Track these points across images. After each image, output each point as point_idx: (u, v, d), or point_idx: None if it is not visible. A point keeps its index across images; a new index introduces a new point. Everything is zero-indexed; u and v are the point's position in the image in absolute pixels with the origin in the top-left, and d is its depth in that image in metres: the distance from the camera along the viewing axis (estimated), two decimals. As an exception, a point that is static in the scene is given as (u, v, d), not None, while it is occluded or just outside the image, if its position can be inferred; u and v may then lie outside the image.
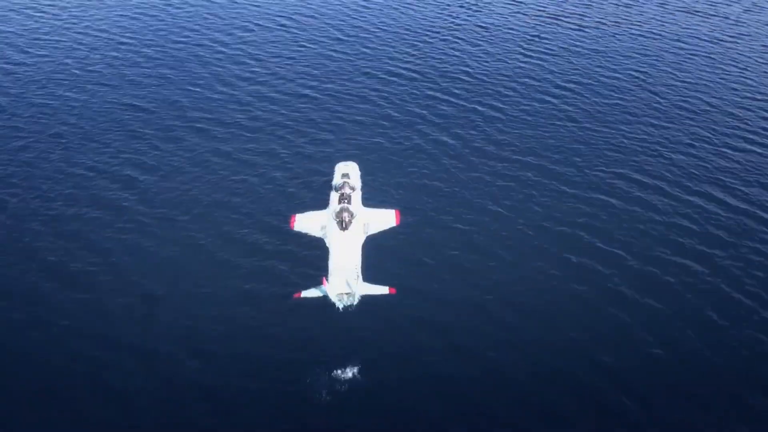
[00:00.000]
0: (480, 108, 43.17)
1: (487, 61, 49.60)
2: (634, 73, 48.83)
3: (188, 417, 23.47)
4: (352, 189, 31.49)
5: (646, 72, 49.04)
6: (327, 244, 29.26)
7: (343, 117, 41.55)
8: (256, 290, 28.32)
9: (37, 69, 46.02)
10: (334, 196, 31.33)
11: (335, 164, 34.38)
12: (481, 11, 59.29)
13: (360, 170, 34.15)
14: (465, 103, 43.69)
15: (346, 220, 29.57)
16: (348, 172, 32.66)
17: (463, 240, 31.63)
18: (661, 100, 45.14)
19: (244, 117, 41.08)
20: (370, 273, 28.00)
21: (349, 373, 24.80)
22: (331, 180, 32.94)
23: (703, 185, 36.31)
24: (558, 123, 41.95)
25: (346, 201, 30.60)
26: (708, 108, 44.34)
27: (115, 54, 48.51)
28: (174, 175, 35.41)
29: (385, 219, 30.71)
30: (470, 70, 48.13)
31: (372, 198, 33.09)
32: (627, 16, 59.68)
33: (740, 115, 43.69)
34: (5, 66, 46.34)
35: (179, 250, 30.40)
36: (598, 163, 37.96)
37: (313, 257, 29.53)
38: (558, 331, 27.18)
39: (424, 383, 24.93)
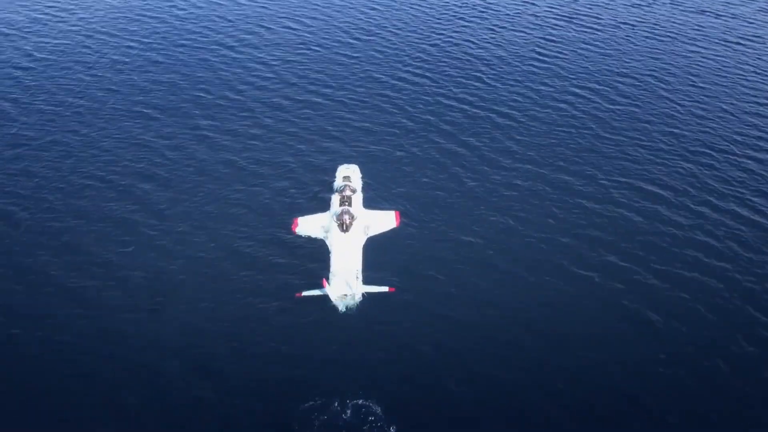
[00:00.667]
0: (492, 114, 42.63)
1: (499, 66, 49.19)
2: (648, 77, 48.01)
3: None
4: (353, 191, 31.87)
5: (660, 76, 48.15)
6: (328, 246, 29.61)
7: (352, 122, 41.58)
8: (260, 298, 28.30)
9: (43, 74, 46.46)
10: (335, 199, 31.73)
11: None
12: (490, 11, 58.99)
13: (369, 176, 34.39)
14: (477, 110, 43.16)
15: (347, 222, 29.90)
16: (349, 175, 33.12)
17: (472, 248, 31.19)
18: (677, 105, 44.29)
19: (251, 122, 41.24)
20: (370, 273, 28.30)
21: (357, 390, 24.48)
22: (334, 183, 33.41)
23: (720, 194, 35.31)
24: (572, 130, 41.17)
25: (347, 203, 30.99)
26: (724, 113, 43.35)
27: (121, 58, 49.00)
28: (182, 179, 35.64)
29: (386, 220, 31.03)
30: (482, 75, 47.76)
31: (382, 205, 33.04)
32: (640, 17, 58.98)
33: (757, 120, 42.74)
34: (11, 71, 46.82)
35: (185, 255, 30.62)
36: (613, 172, 37.20)
37: (314, 260, 29.77)
38: (569, 337, 26.94)
39: (431, 385, 24.90)
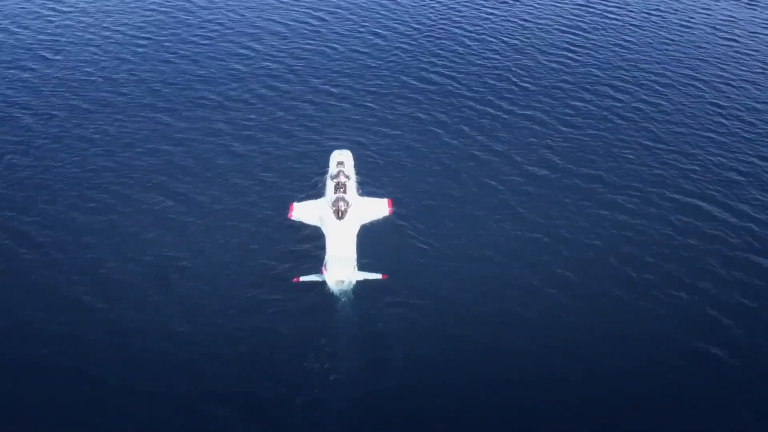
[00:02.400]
0: (526, 114, 41.19)
1: (529, 64, 47.53)
2: (688, 75, 46.26)
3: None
4: (347, 177, 32.37)
5: (700, 74, 46.25)
6: (324, 233, 30.39)
7: (376, 120, 40.62)
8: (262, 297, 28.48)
9: (56, 75, 45.10)
10: (330, 185, 32.22)
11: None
12: (520, 5, 57.33)
13: (378, 180, 34.78)
14: (513, 110, 41.77)
15: (342, 209, 30.45)
16: (343, 160, 33.49)
17: (487, 265, 30.44)
18: (721, 110, 42.26)
19: (258, 119, 40.49)
20: (364, 261, 29.05)
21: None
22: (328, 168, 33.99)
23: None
24: (602, 133, 39.54)
25: (341, 190, 31.56)
26: None
27: (136, 56, 47.61)
28: (205, 185, 34.98)
29: (378, 208, 31.69)
30: (512, 74, 46.13)
31: (398, 205, 32.79)
32: (678, 7, 57.42)
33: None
34: (20, 73, 45.20)
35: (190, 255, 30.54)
36: (653, 183, 35.53)
37: (309, 247, 30.56)
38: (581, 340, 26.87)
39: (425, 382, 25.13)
